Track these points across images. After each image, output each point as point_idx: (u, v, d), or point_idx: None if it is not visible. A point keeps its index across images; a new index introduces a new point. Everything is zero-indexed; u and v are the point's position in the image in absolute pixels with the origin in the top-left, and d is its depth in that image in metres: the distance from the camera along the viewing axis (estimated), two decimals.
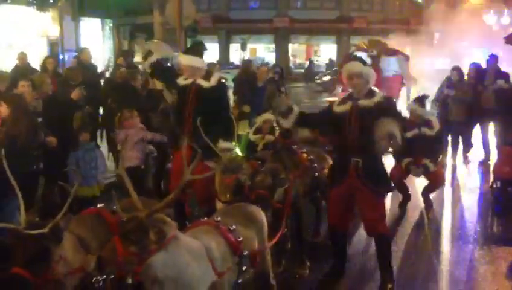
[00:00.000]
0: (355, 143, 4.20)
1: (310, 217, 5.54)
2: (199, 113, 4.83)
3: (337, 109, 4.31)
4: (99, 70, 9.39)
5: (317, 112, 4.80)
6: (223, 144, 4.88)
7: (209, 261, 2.93)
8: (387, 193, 5.59)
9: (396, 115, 4.28)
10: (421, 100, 6.80)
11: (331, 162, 5.18)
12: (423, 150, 6.37)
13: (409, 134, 6.10)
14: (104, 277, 2.84)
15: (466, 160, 9.09)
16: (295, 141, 5.40)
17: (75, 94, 6.27)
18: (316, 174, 5.14)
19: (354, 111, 4.23)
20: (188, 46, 11.47)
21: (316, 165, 5.16)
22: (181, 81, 5.08)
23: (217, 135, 4.87)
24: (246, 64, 9.05)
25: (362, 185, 4.26)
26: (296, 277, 4.72)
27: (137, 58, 9.87)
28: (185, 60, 5.01)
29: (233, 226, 3.31)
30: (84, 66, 8.53)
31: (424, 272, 4.94)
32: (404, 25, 34.24)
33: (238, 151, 7.23)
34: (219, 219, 3.35)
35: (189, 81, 5.02)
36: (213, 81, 5.03)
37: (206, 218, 3.63)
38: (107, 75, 9.09)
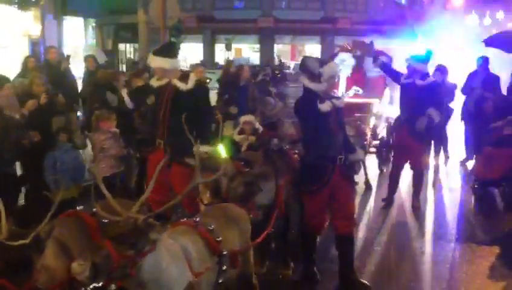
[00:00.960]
0: (340, 140, 4.41)
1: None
2: (175, 115, 4.70)
3: (324, 107, 4.31)
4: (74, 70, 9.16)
5: None
6: (201, 148, 4.82)
7: (185, 261, 2.91)
8: None
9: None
10: None
11: None
12: None
13: None
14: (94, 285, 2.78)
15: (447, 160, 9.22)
16: (280, 135, 5.40)
17: (28, 106, 5.68)
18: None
19: (333, 111, 4.37)
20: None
21: None
22: (154, 82, 4.93)
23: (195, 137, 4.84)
24: (227, 65, 9.04)
25: (344, 183, 4.44)
26: (279, 277, 4.72)
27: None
28: (154, 61, 4.86)
29: (212, 226, 3.29)
30: (51, 66, 8.27)
31: (406, 271, 4.98)
32: (387, 25, 34.61)
33: (221, 152, 7.21)
34: (198, 219, 3.34)
35: (164, 82, 4.85)
36: (190, 83, 4.86)
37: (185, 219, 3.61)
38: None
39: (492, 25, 47.14)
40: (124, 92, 6.00)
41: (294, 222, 5.10)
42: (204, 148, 4.82)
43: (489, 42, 10.07)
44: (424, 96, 6.36)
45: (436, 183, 8.11)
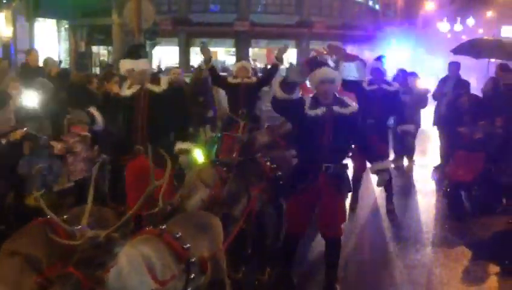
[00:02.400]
0: (329, 149, 4.22)
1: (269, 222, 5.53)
2: (153, 120, 4.73)
3: (311, 112, 4.25)
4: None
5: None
6: (179, 145, 4.81)
7: (146, 269, 2.84)
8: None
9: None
10: None
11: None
12: None
13: None
14: None
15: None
16: (257, 149, 5.36)
17: (16, 135, 5.46)
18: (281, 182, 5.13)
19: (328, 117, 4.22)
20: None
21: (280, 173, 5.15)
22: (126, 90, 4.86)
23: (175, 138, 4.81)
24: (199, 70, 9.01)
25: (329, 189, 4.29)
26: (255, 283, 4.69)
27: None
28: (126, 64, 4.80)
29: (179, 234, 3.24)
30: (31, 70, 8.06)
31: (380, 276, 5.01)
32: (362, 30, 35.06)
33: (198, 154, 7.16)
34: (164, 227, 3.28)
35: (136, 88, 4.82)
36: (164, 85, 4.88)
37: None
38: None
39: (463, 32, 48.19)
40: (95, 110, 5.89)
41: (270, 228, 5.09)
42: (183, 146, 4.87)
43: (457, 51, 10.31)
44: (387, 102, 6.46)
45: (410, 188, 8.20)
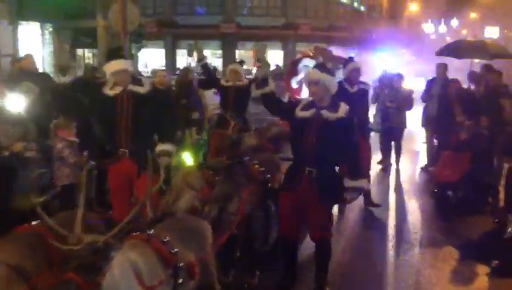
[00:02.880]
0: (312, 153, 4.18)
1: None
2: (137, 120, 4.71)
3: (300, 113, 4.25)
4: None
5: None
6: (160, 147, 4.76)
7: (133, 275, 2.81)
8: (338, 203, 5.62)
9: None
10: None
11: (283, 168, 5.17)
12: None
13: None
14: None
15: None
16: (244, 150, 5.35)
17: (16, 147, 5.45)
18: (269, 185, 5.12)
19: (315, 120, 4.19)
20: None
21: (268, 175, 5.14)
22: (108, 91, 4.79)
23: (160, 139, 4.81)
24: (184, 72, 8.96)
25: (314, 195, 4.23)
26: (245, 286, 4.67)
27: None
28: (109, 67, 4.76)
29: (167, 238, 3.22)
30: (28, 75, 7.95)
31: (368, 276, 5.02)
32: (347, 32, 35.27)
33: (185, 157, 7.12)
34: (152, 231, 3.25)
35: (119, 89, 4.76)
36: (147, 86, 4.87)
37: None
38: None
39: (448, 33, 48.66)
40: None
41: (259, 231, 5.09)
42: (167, 147, 4.83)
43: (441, 52, 10.44)
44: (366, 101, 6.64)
45: (397, 189, 8.24)
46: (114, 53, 5.04)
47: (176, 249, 3.20)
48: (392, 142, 9.06)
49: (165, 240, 3.20)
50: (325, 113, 4.18)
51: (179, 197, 4.23)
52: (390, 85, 9.00)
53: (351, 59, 6.90)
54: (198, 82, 7.68)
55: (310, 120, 4.20)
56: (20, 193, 4.99)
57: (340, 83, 6.51)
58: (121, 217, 4.53)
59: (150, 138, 4.91)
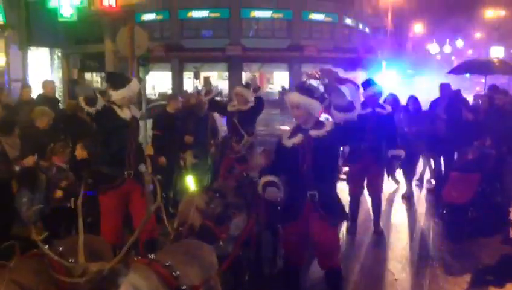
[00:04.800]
0: (311, 175, 4.11)
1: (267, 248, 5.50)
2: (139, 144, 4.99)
3: (287, 142, 4.17)
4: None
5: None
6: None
7: None
8: (342, 222, 5.60)
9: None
10: None
11: None
12: None
13: None
14: None
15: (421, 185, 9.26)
16: (253, 167, 5.38)
17: (28, 161, 5.73)
18: (278, 207, 5.11)
19: (306, 142, 4.11)
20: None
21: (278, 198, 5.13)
22: (123, 114, 4.90)
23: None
24: (186, 97, 9.04)
25: (318, 218, 4.15)
26: None
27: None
28: (116, 95, 4.85)
29: (169, 262, 3.22)
30: (49, 100, 8.07)
31: None
32: (352, 53, 35.52)
33: (190, 182, 7.15)
34: (153, 256, 3.27)
35: (128, 114, 4.91)
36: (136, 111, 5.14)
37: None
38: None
39: (453, 53, 48.79)
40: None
41: (267, 253, 5.06)
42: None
43: (454, 71, 10.51)
44: (382, 125, 6.45)
45: (407, 210, 8.19)
46: (119, 80, 5.05)
47: (178, 272, 3.20)
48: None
49: (166, 264, 3.21)
50: (314, 133, 4.08)
51: (186, 221, 4.25)
52: (395, 107, 8.87)
53: (370, 82, 6.69)
54: (208, 106, 7.67)
55: (301, 146, 4.10)
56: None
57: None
58: (110, 238, 4.61)
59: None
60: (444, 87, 9.12)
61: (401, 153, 6.59)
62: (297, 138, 4.13)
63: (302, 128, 4.16)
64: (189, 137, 7.78)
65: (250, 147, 6.97)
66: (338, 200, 4.32)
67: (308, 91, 4.17)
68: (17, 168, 5.64)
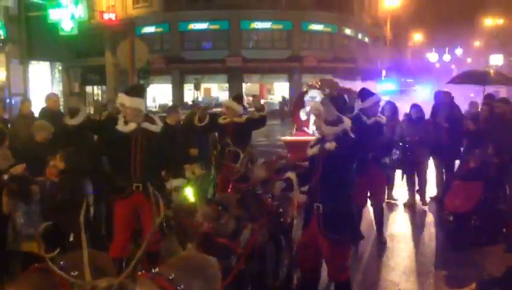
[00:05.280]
0: (318, 186, 4.13)
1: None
2: (150, 157, 4.86)
3: (309, 151, 4.28)
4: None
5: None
6: (174, 182, 5.00)
7: None
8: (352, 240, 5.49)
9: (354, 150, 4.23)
10: None
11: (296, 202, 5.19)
12: None
13: None
14: None
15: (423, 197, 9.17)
16: (254, 182, 5.36)
17: (16, 170, 5.55)
18: (281, 219, 5.09)
19: (320, 155, 4.17)
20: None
21: (281, 210, 5.12)
22: (122, 127, 4.86)
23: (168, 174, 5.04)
24: (191, 111, 9.02)
25: (322, 232, 4.14)
26: None
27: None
28: (130, 101, 4.83)
29: (172, 276, 3.20)
30: (52, 114, 8.07)
31: None
32: (352, 63, 35.63)
33: (189, 193, 7.11)
34: (157, 270, 3.28)
35: (133, 126, 4.86)
36: (159, 125, 5.03)
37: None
38: None
39: (452, 61, 48.93)
40: None
41: (270, 265, 5.03)
42: (177, 182, 5.10)
43: (454, 80, 10.60)
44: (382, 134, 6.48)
45: (410, 219, 8.16)
46: (132, 89, 5.15)
47: (182, 286, 3.18)
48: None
49: (170, 277, 3.19)
50: (328, 145, 4.11)
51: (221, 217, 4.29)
52: (393, 116, 8.79)
53: (371, 92, 6.66)
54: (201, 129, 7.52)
55: (316, 156, 4.19)
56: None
57: (357, 115, 6.43)
58: (119, 250, 4.61)
59: (159, 173, 5.13)
60: (439, 95, 9.17)
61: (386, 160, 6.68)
62: (314, 149, 4.21)
63: (322, 139, 4.22)
64: (195, 150, 7.78)
65: (249, 160, 6.81)
66: (347, 217, 4.22)
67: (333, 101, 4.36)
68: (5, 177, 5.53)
